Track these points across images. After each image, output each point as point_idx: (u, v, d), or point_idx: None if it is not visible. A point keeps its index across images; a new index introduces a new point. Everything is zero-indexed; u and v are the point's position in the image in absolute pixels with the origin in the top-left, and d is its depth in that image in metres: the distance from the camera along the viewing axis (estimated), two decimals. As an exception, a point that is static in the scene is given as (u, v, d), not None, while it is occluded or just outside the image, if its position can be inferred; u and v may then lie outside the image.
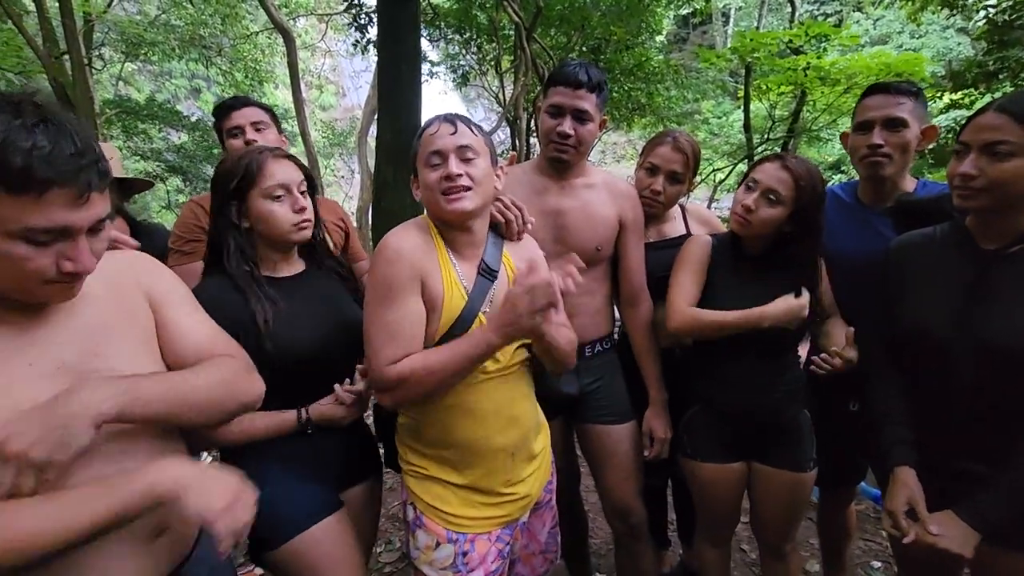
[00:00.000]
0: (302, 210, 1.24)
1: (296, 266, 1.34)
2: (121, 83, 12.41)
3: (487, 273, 1.19)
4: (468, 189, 1.11)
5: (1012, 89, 5.42)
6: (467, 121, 1.17)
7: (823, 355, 1.43)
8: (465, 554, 1.18)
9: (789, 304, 1.38)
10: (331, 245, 1.90)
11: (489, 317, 1.10)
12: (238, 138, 1.79)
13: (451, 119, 1.15)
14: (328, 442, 1.27)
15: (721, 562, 1.73)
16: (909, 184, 1.59)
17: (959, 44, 15.02)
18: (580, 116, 1.50)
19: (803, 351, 1.74)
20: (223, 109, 1.82)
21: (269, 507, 1.19)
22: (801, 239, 1.42)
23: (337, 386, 1.27)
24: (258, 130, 1.79)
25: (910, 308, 1.20)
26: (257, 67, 11.95)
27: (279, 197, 1.22)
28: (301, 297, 1.28)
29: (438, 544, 1.19)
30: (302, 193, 1.27)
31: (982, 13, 6.16)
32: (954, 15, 7.46)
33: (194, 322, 0.96)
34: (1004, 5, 5.50)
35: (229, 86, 12.06)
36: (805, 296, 1.40)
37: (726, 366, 1.52)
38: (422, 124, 1.20)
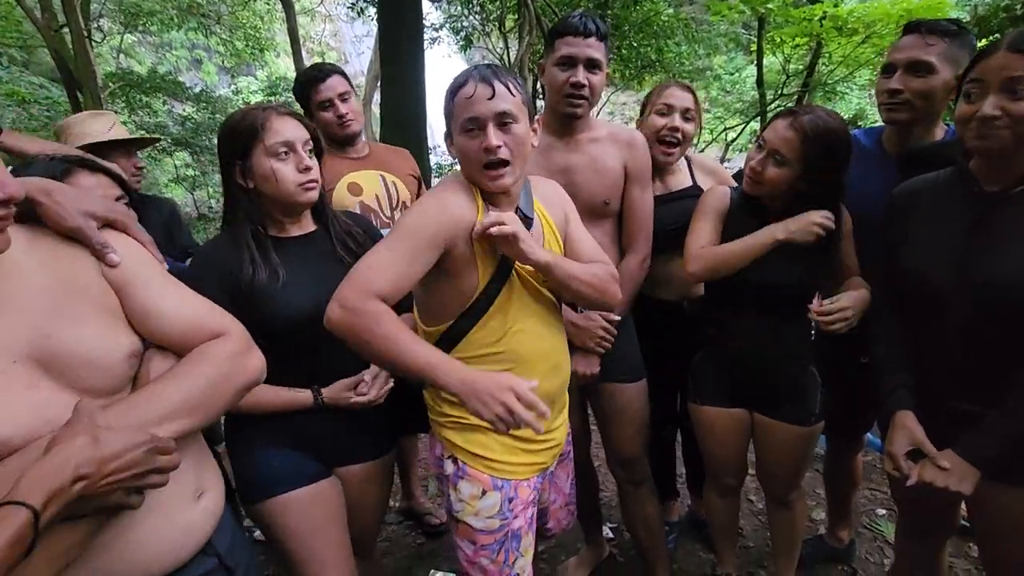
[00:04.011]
0: (307, 169, 1.20)
1: (305, 227, 1.31)
2: (122, 56, 12.26)
3: (523, 221, 1.15)
4: (507, 164, 1.07)
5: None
6: (505, 78, 1.08)
7: (821, 309, 1.35)
8: (511, 500, 1.19)
9: (801, 216, 1.35)
10: (392, 200, 1.93)
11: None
12: (328, 111, 1.86)
13: (488, 79, 1.06)
14: (327, 418, 1.26)
15: (729, 512, 1.79)
16: (939, 132, 1.50)
17: (986, -13, 14.24)
18: (591, 65, 1.49)
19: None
20: (309, 81, 1.88)
21: (247, 467, 1.21)
22: (819, 200, 1.37)
23: (366, 375, 1.26)
24: (344, 100, 1.86)
25: (911, 251, 1.20)
26: (257, 35, 11.73)
27: (283, 155, 1.19)
28: (304, 259, 1.25)
29: (484, 493, 1.18)
30: (308, 153, 1.23)
31: (1011, -48, 5.81)
32: (981, -45, 7.06)
33: (176, 299, 0.86)
34: (1035, -57, 5.20)
35: (230, 55, 11.91)
36: (823, 212, 1.35)
37: (732, 317, 1.53)
38: (454, 80, 1.11)
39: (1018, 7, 5.35)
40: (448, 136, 1.15)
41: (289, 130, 1.20)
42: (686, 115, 1.74)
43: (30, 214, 0.78)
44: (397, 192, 1.96)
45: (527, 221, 1.15)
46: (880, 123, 1.60)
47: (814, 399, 1.52)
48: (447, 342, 1.15)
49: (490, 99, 1.05)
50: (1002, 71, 1.00)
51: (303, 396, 1.24)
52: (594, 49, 1.48)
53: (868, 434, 2.01)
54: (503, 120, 1.06)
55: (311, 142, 1.24)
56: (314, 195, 1.24)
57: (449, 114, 1.12)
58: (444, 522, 2.23)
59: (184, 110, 10.64)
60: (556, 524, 1.46)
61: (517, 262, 1.12)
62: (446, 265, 1.09)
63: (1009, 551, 1.17)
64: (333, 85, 1.86)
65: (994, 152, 1.05)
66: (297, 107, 2.05)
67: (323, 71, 1.90)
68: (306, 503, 1.23)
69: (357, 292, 0.99)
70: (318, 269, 1.25)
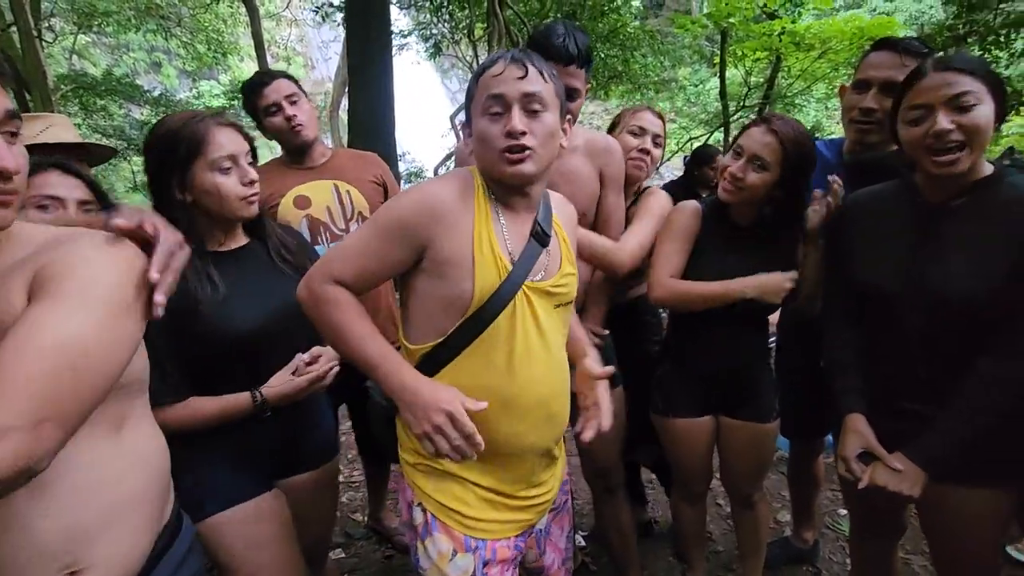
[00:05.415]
0: (252, 183, 1.17)
1: (239, 240, 1.26)
2: (75, 57, 11.80)
3: (540, 237, 1.01)
4: (530, 150, 0.94)
5: (980, 52, 5.51)
6: (540, 62, 0.97)
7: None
8: (486, 563, 1.03)
9: (772, 278, 1.39)
10: (346, 211, 1.85)
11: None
12: (277, 115, 1.78)
13: (520, 59, 0.94)
14: (263, 429, 1.21)
15: (697, 519, 1.80)
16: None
17: (931, 7, 15.06)
18: (570, 94, 1.45)
19: (772, 318, 1.79)
20: (253, 87, 1.81)
21: (185, 492, 1.07)
22: (790, 206, 1.41)
23: (302, 357, 1.20)
24: (293, 103, 1.78)
25: (861, 263, 1.23)
26: (220, 38, 11.46)
27: (227, 169, 1.15)
28: (243, 273, 1.21)
29: (455, 553, 1.02)
30: (249, 164, 1.20)
31: (952, -25, 6.19)
32: (926, -23, 7.48)
33: (19, 346, 0.61)
34: (973, -33, 5.54)
35: (191, 59, 11.60)
36: (792, 273, 1.40)
37: (699, 328, 1.55)
38: (482, 62, 0.99)
39: (960, 27, 5.68)
40: (467, 125, 1.02)
41: (232, 143, 1.16)
42: (656, 140, 1.79)
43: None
44: (351, 202, 1.87)
45: (544, 237, 1.02)
46: (836, 135, 1.63)
47: (772, 397, 1.57)
48: (428, 366, 0.99)
49: (520, 78, 0.93)
50: (942, 90, 1.04)
51: (241, 399, 1.16)
52: (574, 78, 1.43)
53: (829, 436, 2.07)
54: (531, 104, 0.94)
55: (250, 153, 1.21)
56: (256, 208, 1.21)
57: (471, 97, 1.00)
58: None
59: (143, 114, 10.28)
60: None
61: (526, 283, 0.98)
62: (427, 267, 0.96)
63: (961, 550, 1.20)
64: (278, 87, 1.78)
65: (955, 174, 1.07)
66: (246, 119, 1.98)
67: (267, 75, 1.83)
68: (245, 521, 1.18)
69: (319, 274, 0.98)
70: (260, 282, 1.21)
